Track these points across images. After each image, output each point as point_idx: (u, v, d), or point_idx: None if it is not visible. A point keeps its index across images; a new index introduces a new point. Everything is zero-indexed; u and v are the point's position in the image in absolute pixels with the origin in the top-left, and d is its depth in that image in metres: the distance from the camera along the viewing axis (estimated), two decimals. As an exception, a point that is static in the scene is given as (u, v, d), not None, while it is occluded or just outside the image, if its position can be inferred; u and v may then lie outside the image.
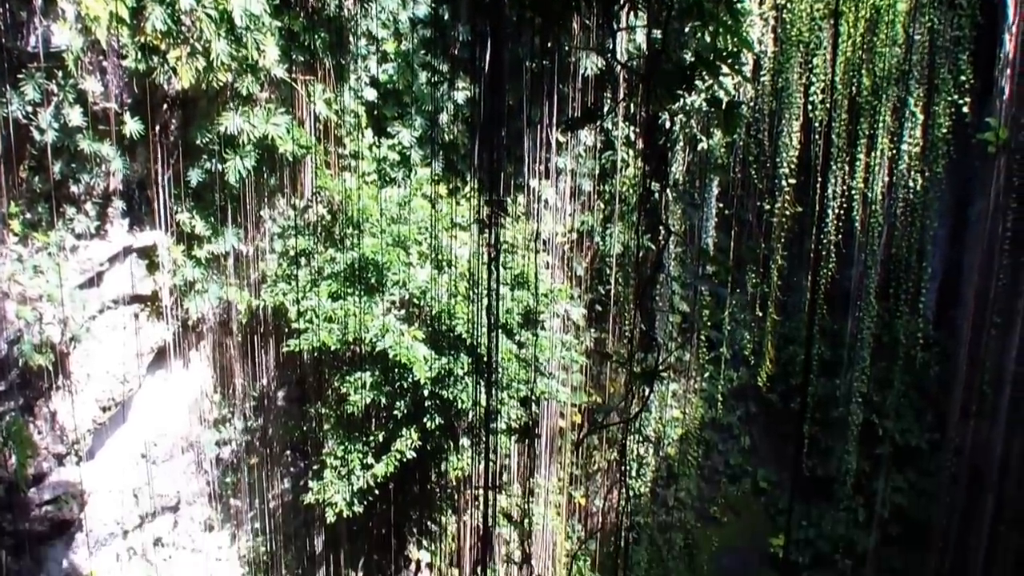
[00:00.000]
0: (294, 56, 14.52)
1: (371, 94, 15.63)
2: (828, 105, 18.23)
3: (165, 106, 13.64)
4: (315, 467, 15.13)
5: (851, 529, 19.67)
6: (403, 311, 14.61)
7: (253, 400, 15.91)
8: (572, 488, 18.92)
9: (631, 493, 19.27)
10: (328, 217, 15.53)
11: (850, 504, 19.72)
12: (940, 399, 19.51)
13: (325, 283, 14.55)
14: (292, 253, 15.16)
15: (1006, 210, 17.54)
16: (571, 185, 17.76)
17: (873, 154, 18.45)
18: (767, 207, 19.43)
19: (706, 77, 4.84)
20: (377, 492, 14.52)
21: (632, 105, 17.21)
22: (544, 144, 17.05)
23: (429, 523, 16.71)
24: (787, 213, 19.14)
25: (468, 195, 16.16)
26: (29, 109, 11.84)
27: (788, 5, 18.15)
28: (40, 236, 12.32)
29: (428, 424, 13.95)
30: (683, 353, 19.90)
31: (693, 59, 4.76)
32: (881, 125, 18.21)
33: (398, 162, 15.93)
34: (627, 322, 18.52)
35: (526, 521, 17.34)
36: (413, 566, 17.06)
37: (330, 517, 14.37)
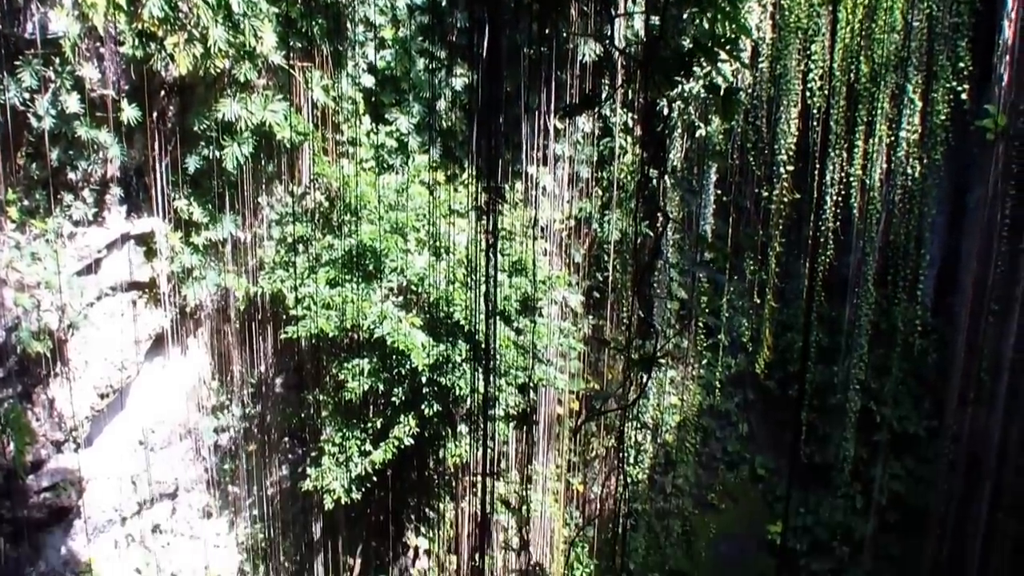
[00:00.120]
0: (292, 43, 14.50)
1: (369, 81, 15.60)
2: (826, 92, 18.20)
3: (162, 93, 13.62)
4: (313, 454, 15.14)
5: (849, 516, 19.69)
6: (401, 298, 14.60)
7: (251, 387, 15.92)
8: (570, 475, 18.94)
9: (629, 480, 19.30)
10: (326, 204, 15.52)
11: (848, 491, 19.74)
12: (938, 386, 19.52)
13: (323, 270, 14.55)
14: (290, 240, 15.15)
15: (1004, 197, 17.53)
16: (569, 172, 17.74)
17: (871, 141, 18.43)
18: (765, 194, 19.41)
19: (704, 63, 4.83)
20: (375, 479, 14.53)
21: (630, 92, 17.20)
22: (542, 131, 17.02)
23: (427, 510, 16.74)
24: (785, 200, 19.12)
25: (466, 182, 16.14)
26: (26, 96, 11.83)
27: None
28: (38, 223, 12.32)
29: (426, 411, 13.96)
30: (681, 340, 19.91)
31: (691, 45, 4.75)
32: (879, 112, 18.18)
33: (396, 149, 15.91)
34: (625, 309, 18.52)
35: (524, 508, 17.37)
36: (411, 552, 17.09)
37: (328, 504, 14.39)
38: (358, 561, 16.67)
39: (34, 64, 11.74)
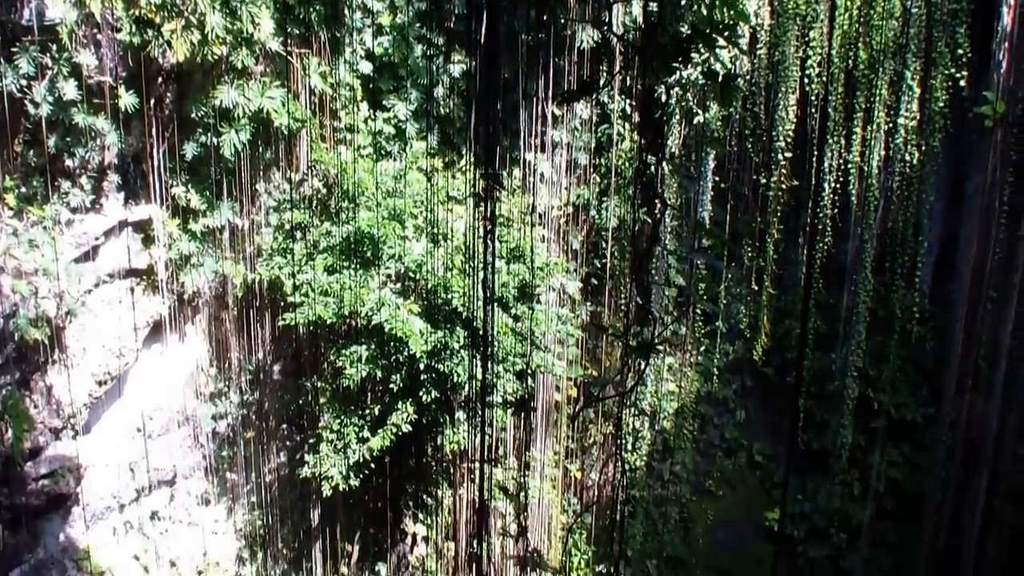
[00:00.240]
0: (289, 29, 14.47)
1: (366, 67, 15.57)
2: (825, 78, 18.18)
3: (160, 79, 13.60)
4: (311, 441, 15.16)
5: (846, 503, 19.71)
6: (399, 285, 14.60)
7: (249, 374, 15.93)
8: (568, 461, 18.96)
9: (627, 466, 19.32)
10: (324, 191, 15.50)
11: (845, 478, 19.76)
12: (936, 373, 19.51)
13: (321, 257, 14.55)
14: (288, 227, 15.15)
15: (1003, 184, 17.51)
16: (567, 158, 17.72)
17: (870, 128, 18.40)
18: (763, 181, 19.38)
19: (702, 50, 4.82)
20: (373, 466, 14.55)
21: (628, 78, 17.16)
22: (540, 117, 17.00)
23: (425, 496, 16.76)
24: (783, 187, 19.10)
25: (464, 168, 16.13)
26: (23, 83, 11.82)
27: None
28: (35, 210, 12.31)
29: (424, 398, 13.97)
30: (679, 327, 19.91)
31: (689, 31, 4.73)
32: (878, 99, 18.15)
33: (393, 135, 15.90)
34: (623, 295, 18.52)
35: (522, 494, 17.38)
36: (409, 539, 17.12)
37: (326, 491, 14.41)
38: (356, 548, 16.70)
39: (31, 51, 11.72)
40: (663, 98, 15.36)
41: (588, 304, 18.74)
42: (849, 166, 18.63)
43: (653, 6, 4.81)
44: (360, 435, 14.35)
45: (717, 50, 4.75)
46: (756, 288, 20.06)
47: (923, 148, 18.18)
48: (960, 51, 17.54)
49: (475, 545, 16.59)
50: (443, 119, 16.49)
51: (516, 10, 15.00)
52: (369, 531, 16.76)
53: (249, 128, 13.93)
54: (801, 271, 20.09)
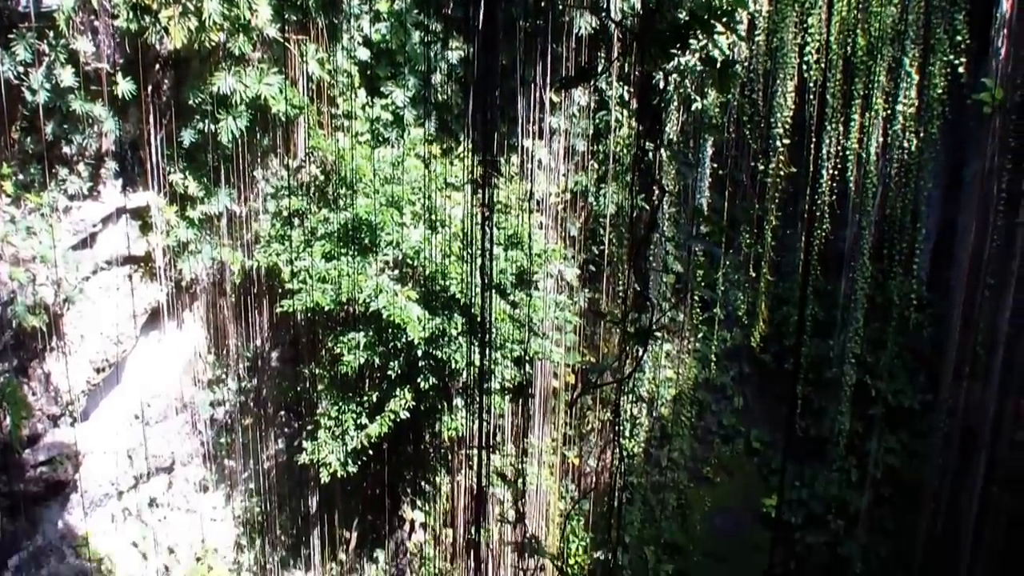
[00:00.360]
0: (287, 15, 14.43)
1: (364, 54, 15.53)
2: (823, 65, 18.14)
3: (157, 66, 13.57)
4: (309, 427, 15.17)
5: (844, 489, 19.74)
6: (397, 271, 14.59)
7: (247, 361, 15.94)
8: (566, 448, 18.99)
9: (624, 453, 19.33)
10: (321, 177, 15.49)
11: (843, 465, 19.78)
12: (933, 360, 19.52)
13: (318, 243, 14.54)
14: (285, 213, 15.13)
15: (1001, 171, 17.50)
16: (565, 145, 17.71)
17: (868, 114, 18.38)
18: (761, 167, 19.37)
19: (701, 36, 4.81)
20: (371, 452, 14.57)
21: (626, 64, 17.14)
22: (538, 104, 16.98)
23: (423, 483, 16.78)
24: (781, 173, 19.09)
25: (461, 155, 16.11)
26: (20, 70, 11.80)
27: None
28: (33, 197, 12.30)
29: (422, 384, 13.99)
30: (677, 313, 19.91)
31: (687, 18, 4.72)
32: (876, 85, 18.12)
33: (391, 122, 15.87)
34: (621, 282, 18.51)
35: (520, 481, 17.40)
36: (407, 526, 17.15)
37: (324, 477, 14.44)
38: (354, 534, 16.72)
39: (28, 37, 11.70)
40: (661, 85, 15.37)
41: (586, 291, 18.75)
42: (847, 153, 18.61)
43: (651, -8, 4.80)
44: (358, 422, 14.37)
45: (715, 36, 4.74)
46: (754, 275, 20.05)
47: (921, 135, 18.16)
48: (959, 38, 17.51)
49: (473, 531, 16.61)
50: (441, 106, 16.47)
51: (514, -4, 14.98)
52: (367, 518, 16.79)
53: (247, 115, 13.91)
54: (799, 258, 20.07)
